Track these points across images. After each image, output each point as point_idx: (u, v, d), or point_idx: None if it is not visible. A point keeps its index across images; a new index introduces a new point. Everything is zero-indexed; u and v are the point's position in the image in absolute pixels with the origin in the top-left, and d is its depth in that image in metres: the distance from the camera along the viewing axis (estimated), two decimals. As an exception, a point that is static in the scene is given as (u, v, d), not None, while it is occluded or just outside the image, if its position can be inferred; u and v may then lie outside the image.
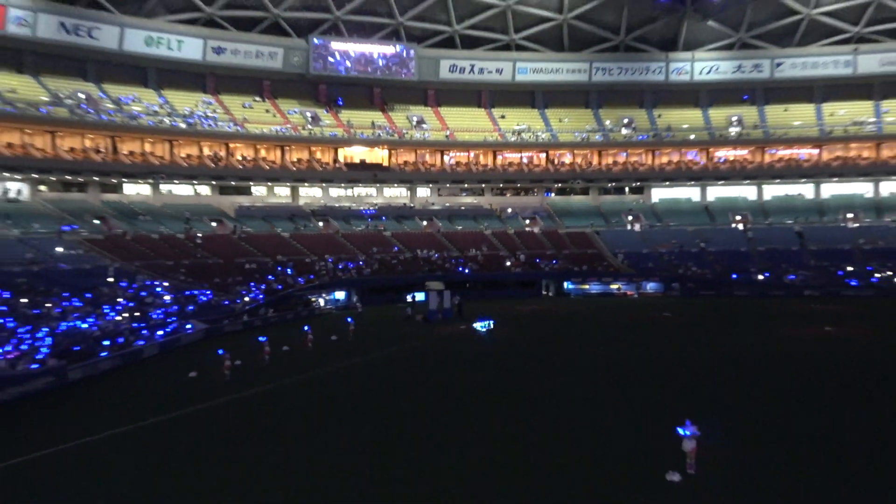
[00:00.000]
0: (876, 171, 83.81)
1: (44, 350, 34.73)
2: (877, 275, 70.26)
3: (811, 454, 19.33)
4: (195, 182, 77.06)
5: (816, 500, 16.01)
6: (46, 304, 42.96)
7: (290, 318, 56.40)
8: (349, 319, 51.30)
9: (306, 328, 45.33)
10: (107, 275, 53.10)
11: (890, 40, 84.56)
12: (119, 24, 71.99)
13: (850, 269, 72.05)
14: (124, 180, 72.37)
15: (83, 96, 69.71)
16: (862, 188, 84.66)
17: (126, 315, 45.17)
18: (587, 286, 74.44)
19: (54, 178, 67.93)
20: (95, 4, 70.29)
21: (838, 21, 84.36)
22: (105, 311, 44.80)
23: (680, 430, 17.53)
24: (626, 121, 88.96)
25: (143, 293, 51.28)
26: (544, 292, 74.16)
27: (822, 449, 19.75)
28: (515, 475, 18.25)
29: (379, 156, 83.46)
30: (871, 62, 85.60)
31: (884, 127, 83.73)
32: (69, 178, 68.93)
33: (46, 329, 38.07)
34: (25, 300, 42.64)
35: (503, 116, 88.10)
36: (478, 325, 46.98)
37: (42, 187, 67.13)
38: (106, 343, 38.62)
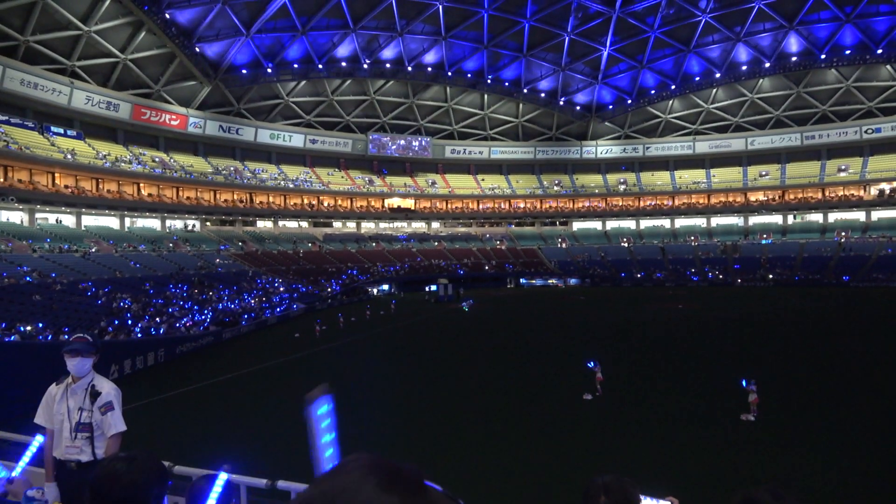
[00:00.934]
0: (707, 211, 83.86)
1: (207, 320, 35.19)
2: (709, 274, 70.44)
3: (671, 374, 19.76)
4: (299, 219, 77.50)
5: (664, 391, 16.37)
6: (209, 293, 43.47)
7: (356, 301, 56.79)
8: (393, 301, 51.69)
9: (367, 307, 45.78)
10: (246, 275, 53.60)
11: (715, 133, 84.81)
12: (254, 126, 72.66)
13: (692, 269, 72.24)
14: (257, 219, 73.02)
15: (233, 168, 70.31)
16: (699, 221, 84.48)
17: (258, 299, 45.68)
18: (534, 281, 74.72)
19: (215, 217, 68.47)
20: (240, 115, 70.98)
21: (683, 122, 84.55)
22: (245, 297, 45.29)
23: (590, 364, 17.85)
24: (556, 182, 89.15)
25: (268, 286, 51.78)
26: (508, 285, 74.40)
27: (676, 367, 20.24)
28: (488, 370, 18.68)
29: (409, 203, 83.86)
30: (703, 146, 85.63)
31: (712, 185, 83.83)
32: (224, 217, 69.44)
33: (210, 308, 38.56)
34: (197, 290, 43.16)
35: (483, 179, 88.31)
36: (463, 305, 47.35)
37: (208, 223, 67.62)
38: (246, 316, 39.07)
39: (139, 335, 28.26)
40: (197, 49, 59.24)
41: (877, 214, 74.90)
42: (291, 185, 74.54)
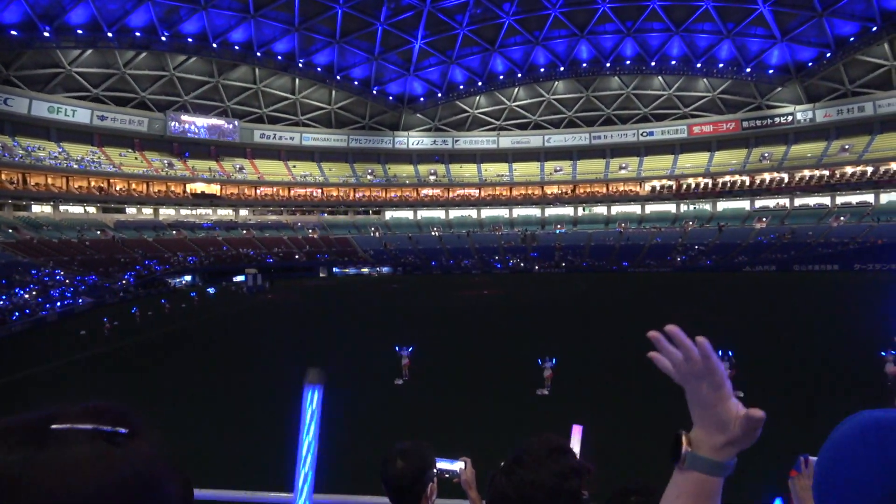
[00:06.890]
0: (510, 203, 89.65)
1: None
2: (510, 262, 75.34)
3: (476, 355, 20.86)
4: (85, 204, 69.56)
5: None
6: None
7: (154, 294, 52.52)
8: (193, 293, 48.80)
9: (164, 300, 42.77)
10: (18, 266, 47.21)
11: (517, 129, 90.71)
12: (28, 97, 63.81)
13: (496, 257, 76.80)
14: (32, 203, 64.45)
15: (1, 145, 61.26)
16: (502, 212, 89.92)
17: (33, 294, 40.53)
18: (347, 270, 74.54)
19: (-22, 201, 59.44)
20: (9, 82, 61.93)
21: (489, 118, 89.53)
22: (16, 291, 39.94)
23: (403, 351, 18.26)
24: (369, 171, 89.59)
25: (46, 279, 46.09)
26: (321, 274, 73.31)
27: (480, 348, 21.41)
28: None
29: (214, 189, 79.28)
30: (506, 141, 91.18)
31: (514, 178, 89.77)
32: (-11, 200, 60.54)
33: (-27, 304, 33.61)
34: (-44, 285, 37.32)
35: (295, 166, 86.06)
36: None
37: (-32, 207, 58.51)
38: (17, 314, 34.61)
39: None
40: (-49, 3, 50.79)
41: (650, 208, 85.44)
42: (76, 166, 66.81)
